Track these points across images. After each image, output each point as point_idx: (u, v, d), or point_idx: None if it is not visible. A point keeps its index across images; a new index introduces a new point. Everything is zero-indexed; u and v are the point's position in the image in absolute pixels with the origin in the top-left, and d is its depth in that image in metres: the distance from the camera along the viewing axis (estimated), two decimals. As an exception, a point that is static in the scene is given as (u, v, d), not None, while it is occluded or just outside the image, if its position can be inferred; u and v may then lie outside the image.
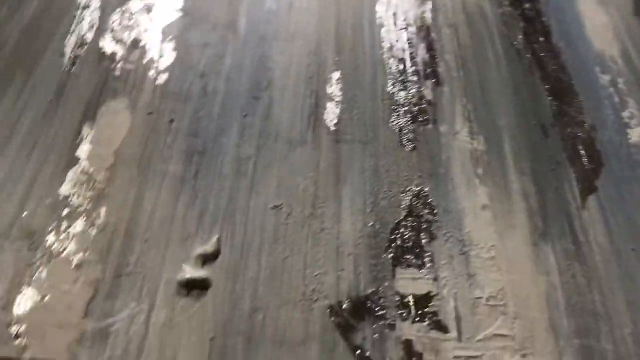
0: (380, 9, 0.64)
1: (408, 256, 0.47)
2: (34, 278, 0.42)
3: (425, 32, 0.62)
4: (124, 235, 0.45)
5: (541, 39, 0.63)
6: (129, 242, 0.45)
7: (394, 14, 0.64)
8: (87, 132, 0.50)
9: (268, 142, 0.52)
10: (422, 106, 0.56)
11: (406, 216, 0.49)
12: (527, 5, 0.66)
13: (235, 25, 0.60)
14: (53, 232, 0.45)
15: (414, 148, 0.53)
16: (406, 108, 0.56)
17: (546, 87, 0.59)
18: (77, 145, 0.50)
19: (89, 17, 0.58)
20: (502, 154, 0.54)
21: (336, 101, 0.56)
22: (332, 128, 0.54)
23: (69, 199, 0.46)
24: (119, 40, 0.57)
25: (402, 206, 0.49)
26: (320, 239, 0.47)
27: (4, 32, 0.56)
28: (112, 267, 0.43)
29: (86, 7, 0.59)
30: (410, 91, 0.57)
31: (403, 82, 0.58)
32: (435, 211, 0.49)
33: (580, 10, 0.66)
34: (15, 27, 0.56)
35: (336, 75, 0.58)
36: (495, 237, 0.48)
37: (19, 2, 0.59)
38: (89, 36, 0.57)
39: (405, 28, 0.63)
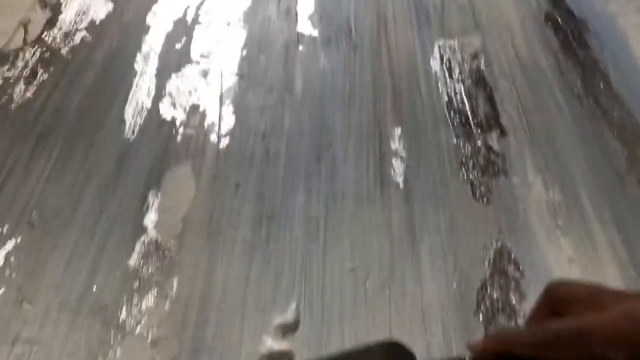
0: (434, 63, 0.64)
1: (500, 317, 0.43)
2: (108, 357, 0.39)
3: (482, 84, 0.61)
4: (198, 306, 0.43)
5: (601, 85, 0.62)
6: (204, 314, 0.42)
7: (449, 68, 0.63)
8: (153, 199, 0.49)
9: (336, 202, 0.50)
10: (491, 158, 0.55)
11: (491, 274, 0.46)
12: (581, 54, 0.66)
13: (292, 87, 0.60)
14: (125, 307, 0.42)
15: (488, 201, 0.51)
16: (474, 160, 0.54)
17: (614, 133, 0.57)
18: (144, 214, 0.48)
19: (147, 84, 0.58)
20: (580, 203, 0.52)
21: (401, 157, 0.54)
22: (401, 185, 0.52)
23: (139, 271, 0.44)
24: (178, 106, 0.56)
25: (485, 264, 0.47)
26: (404, 302, 0.44)
27: (65, 101, 0.56)
28: (189, 342, 0.41)
29: (143, 73, 0.59)
30: (476, 143, 0.56)
31: (467, 134, 0.56)
32: (520, 267, 0.47)
33: (637, 56, 0.65)
34: (75, 96, 0.56)
35: (398, 131, 0.56)
36: (588, 293, 0.45)
37: (78, 73, 0.59)
38: (148, 103, 0.56)
39: (462, 81, 0.62)
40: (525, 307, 0.44)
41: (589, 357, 0.28)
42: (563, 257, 0.47)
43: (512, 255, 0.47)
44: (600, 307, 0.29)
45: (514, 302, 0.44)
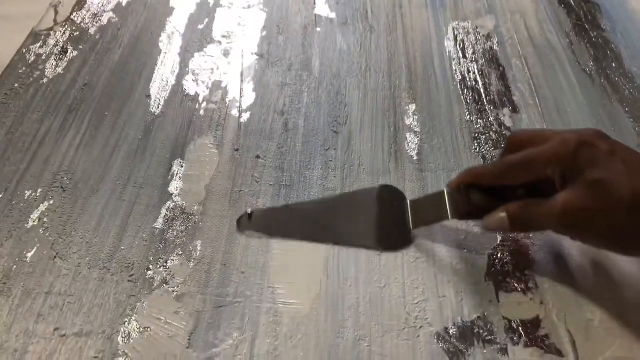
0: (448, 44, 0.65)
1: (510, 280, 0.45)
2: (136, 309, 0.42)
3: (495, 64, 0.63)
4: (221, 266, 0.45)
5: (613, 64, 0.63)
6: (226, 274, 0.44)
7: (462, 48, 0.65)
8: (178, 168, 0.51)
9: (352, 174, 0.52)
10: (503, 133, 0.56)
11: (502, 241, 0.48)
12: (593, 34, 0.67)
13: (310, 65, 0.62)
14: (151, 265, 0.44)
15: (500, 174, 0.52)
16: (486, 135, 0.56)
17: (626, 109, 0.58)
18: (169, 182, 0.50)
19: (171, 62, 0.61)
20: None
21: (415, 132, 0.56)
22: (415, 158, 0.54)
23: (165, 233, 0.47)
24: (201, 83, 0.59)
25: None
26: (417, 268, 0.46)
27: (94, 77, 0.58)
28: (212, 298, 0.43)
29: (167, 52, 0.62)
30: (489, 119, 0.57)
31: (480, 111, 0.58)
32: (530, 235, 0.48)
33: (649, 37, 0.66)
34: (103, 73, 0.59)
35: (412, 107, 0.58)
36: (599, 256, 0.46)
37: (106, 51, 0.61)
38: (172, 79, 0.59)
39: (475, 61, 0.63)
40: (535, 271, 0.45)
41: (535, 178, 0.39)
42: (573, 226, 0.49)
43: (523, 224, 0.49)
44: (547, 141, 0.39)
45: (523, 266, 0.46)
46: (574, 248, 0.47)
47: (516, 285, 0.45)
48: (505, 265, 0.46)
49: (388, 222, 0.47)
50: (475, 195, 0.42)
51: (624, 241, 0.37)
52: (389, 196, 0.48)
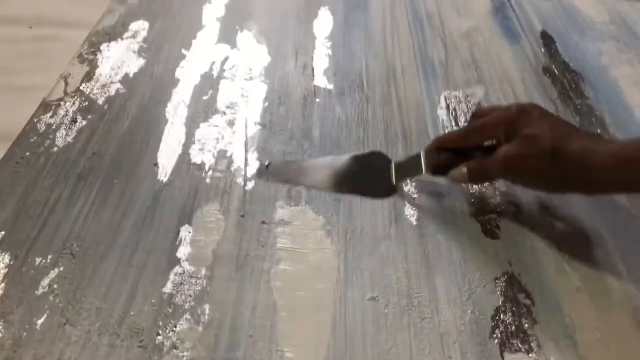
0: (440, 112, 0.68)
1: (514, 341, 0.46)
2: (146, 377, 0.42)
3: (487, 131, 0.66)
4: (229, 330, 0.45)
5: (598, 130, 0.66)
6: (235, 337, 0.45)
7: (454, 117, 0.68)
8: (185, 234, 0.52)
9: (354, 238, 0.54)
10: (497, 196, 0.58)
11: (503, 302, 0.49)
12: (578, 102, 0.71)
13: (310, 134, 0.64)
14: (161, 330, 0.45)
15: (497, 237, 0.54)
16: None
17: (613, 174, 0.61)
18: (177, 247, 0.51)
19: (177, 131, 0.63)
20: (585, 237, 0.55)
21: (413, 198, 0.58)
22: (414, 223, 0.55)
23: (173, 298, 0.47)
24: (206, 152, 0.61)
25: (497, 292, 0.49)
26: (422, 327, 0.47)
27: (102, 146, 0.60)
28: (221, 362, 0.43)
29: (173, 122, 0.64)
30: (483, 185, 0.59)
31: (475, 177, 0.60)
32: (531, 296, 0.49)
33: (630, 103, 0.70)
34: (111, 142, 0.61)
35: (410, 173, 0.60)
36: (597, 318, 0.48)
37: (114, 120, 0.64)
38: (179, 148, 0.61)
39: (468, 128, 0.66)
40: (537, 331, 0.46)
41: (487, 139, 0.53)
42: (572, 286, 0.50)
43: (523, 285, 0.50)
44: (496, 111, 0.52)
45: (526, 327, 0.47)
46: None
47: (520, 345, 0.46)
48: (508, 325, 0.47)
49: (376, 177, 0.59)
50: (444, 155, 0.53)
51: (548, 181, 0.48)
52: (378, 159, 0.61)
